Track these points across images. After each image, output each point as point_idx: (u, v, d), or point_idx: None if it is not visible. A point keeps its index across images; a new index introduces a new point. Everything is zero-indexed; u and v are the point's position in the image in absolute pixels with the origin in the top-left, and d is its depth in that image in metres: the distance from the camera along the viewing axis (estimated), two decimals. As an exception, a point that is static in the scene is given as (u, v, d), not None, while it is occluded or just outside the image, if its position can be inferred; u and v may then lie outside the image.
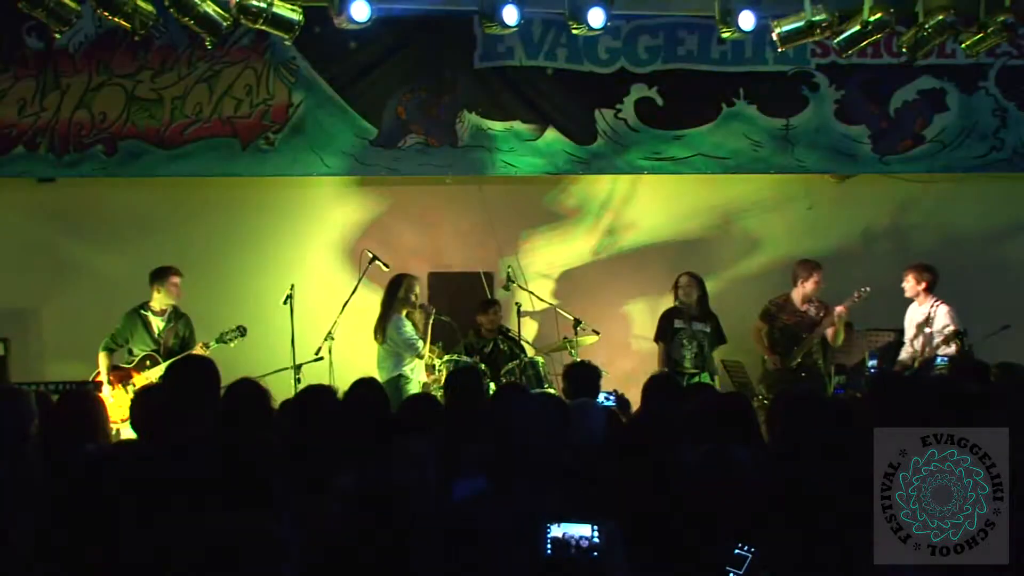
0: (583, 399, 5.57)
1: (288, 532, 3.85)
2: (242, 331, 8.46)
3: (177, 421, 4.70)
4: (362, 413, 5.03)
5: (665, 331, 9.05)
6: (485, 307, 9.26)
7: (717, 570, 3.36)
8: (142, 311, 8.48)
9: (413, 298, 8.79)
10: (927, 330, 8.83)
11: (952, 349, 8.55)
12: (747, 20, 7.75)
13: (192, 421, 4.64)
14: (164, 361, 8.26)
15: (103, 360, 8.37)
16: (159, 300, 8.49)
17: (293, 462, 4.20)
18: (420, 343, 8.65)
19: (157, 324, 8.46)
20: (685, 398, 5.64)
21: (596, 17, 7.63)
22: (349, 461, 4.16)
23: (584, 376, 6.27)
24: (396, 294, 8.74)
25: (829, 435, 4.36)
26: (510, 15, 7.55)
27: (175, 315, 8.52)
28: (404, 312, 8.73)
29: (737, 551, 3.30)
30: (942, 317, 8.78)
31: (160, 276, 8.50)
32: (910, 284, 8.96)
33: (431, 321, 8.75)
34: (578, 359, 8.75)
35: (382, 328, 8.69)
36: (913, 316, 9.04)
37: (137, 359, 8.38)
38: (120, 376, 8.32)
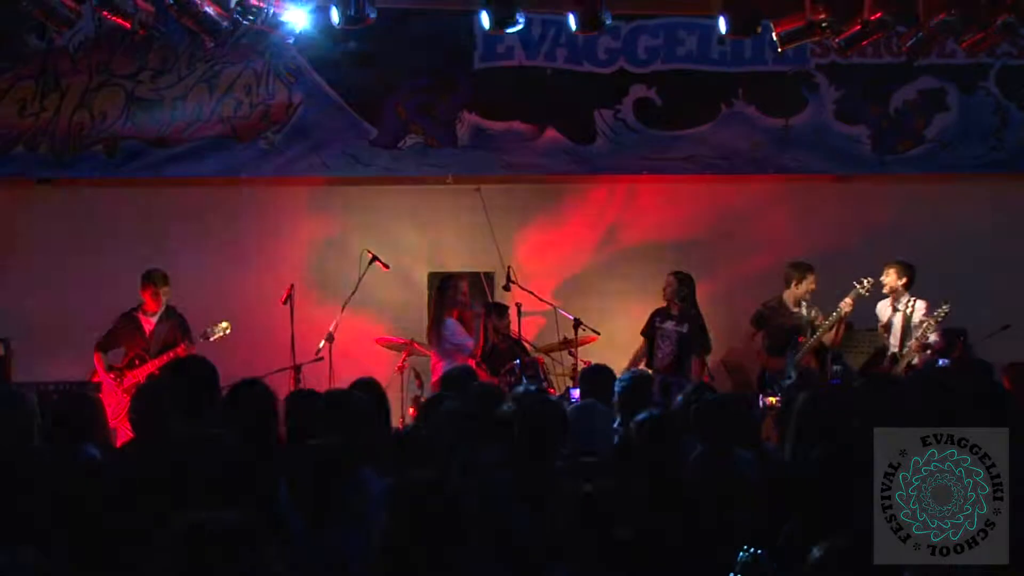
0: (589, 400, 5.58)
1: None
2: (225, 328, 8.41)
3: (176, 421, 4.70)
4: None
5: (647, 328, 9.06)
6: (500, 313, 9.15)
7: (721, 572, 3.37)
8: (134, 313, 8.42)
9: (462, 298, 8.71)
10: (909, 324, 8.78)
11: (935, 338, 8.51)
12: (723, 24, 7.70)
13: (191, 421, 4.64)
14: (152, 359, 8.23)
15: (99, 360, 8.33)
16: (149, 302, 8.43)
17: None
18: (470, 343, 8.55)
19: (148, 325, 8.41)
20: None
21: (572, 22, 7.63)
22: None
23: (599, 379, 6.27)
24: (445, 296, 8.68)
25: (841, 436, 4.39)
26: (486, 21, 7.53)
27: (167, 315, 8.43)
28: (455, 314, 8.65)
29: (742, 554, 3.31)
30: (921, 312, 8.72)
31: (146, 281, 8.37)
32: (890, 279, 8.89)
33: (482, 321, 8.65)
34: (577, 359, 8.77)
35: (435, 333, 8.60)
36: (886, 314, 8.96)
37: (128, 359, 8.36)
38: (114, 376, 8.29)
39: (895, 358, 8.72)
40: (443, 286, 8.75)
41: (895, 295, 8.85)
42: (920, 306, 8.69)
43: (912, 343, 8.63)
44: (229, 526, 2.56)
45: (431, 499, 3.31)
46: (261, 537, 2.63)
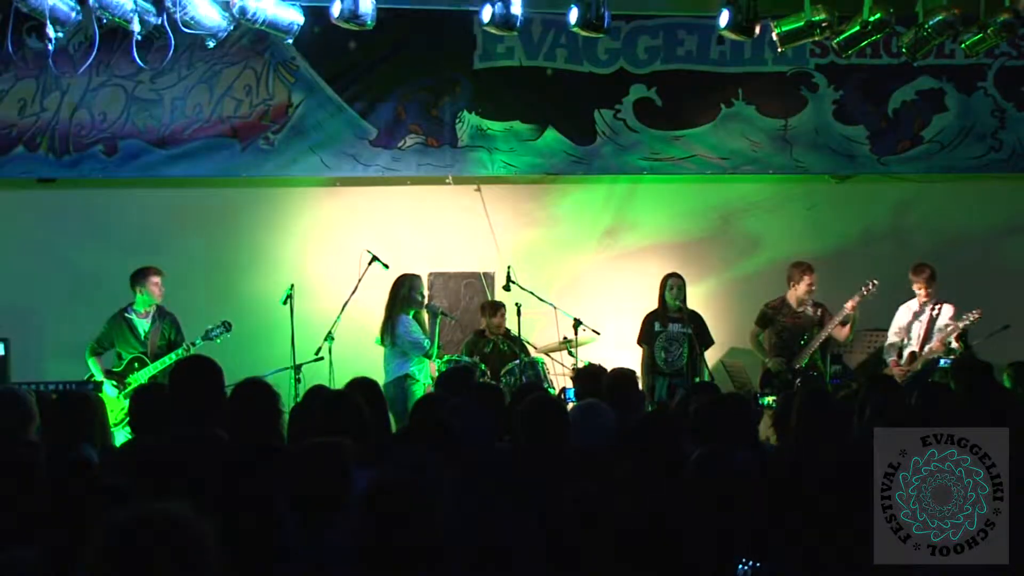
0: (590, 400, 5.58)
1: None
2: (227, 326, 8.38)
3: (178, 421, 4.70)
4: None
5: (646, 334, 9.04)
6: (492, 310, 9.21)
7: (721, 572, 3.37)
8: (126, 314, 8.39)
9: (418, 297, 8.74)
10: (933, 327, 8.81)
11: (955, 345, 8.56)
12: (724, 18, 7.66)
13: (194, 421, 4.63)
14: (152, 363, 8.24)
15: (93, 364, 8.32)
16: (142, 301, 8.41)
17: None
18: (427, 342, 8.60)
19: (142, 326, 8.40)
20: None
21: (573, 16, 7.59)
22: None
23: (593, 379, 6.26)
24: (399, 294, 8.71)
25: (842, 436, 4.39)
26: (486, 13, 7.51)
27: (159, 315, 8.42)
28: (410, 311, 8.70)
29: (741, 566, 3.31)
30: (947, 316, 8.75)
31: (141, 277, 8.38)
32: (921, 286, 8.92)
33: (438, 320, 8.71)
34: (577, 359, 8.77)
35: (389, 329, 8.64)
36: (906, 317, 8.99)
37: (126, 362, 8.34)
38: (116, 381, 8.26)
39: (914, 356, 8.75)
40: (398, 284, 8.74)
41: (927, 297, 8.88)
42: (947, 310, 8.73)
43: (933, 343, 8.66)
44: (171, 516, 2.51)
45: (406, 499, 3.30)
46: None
